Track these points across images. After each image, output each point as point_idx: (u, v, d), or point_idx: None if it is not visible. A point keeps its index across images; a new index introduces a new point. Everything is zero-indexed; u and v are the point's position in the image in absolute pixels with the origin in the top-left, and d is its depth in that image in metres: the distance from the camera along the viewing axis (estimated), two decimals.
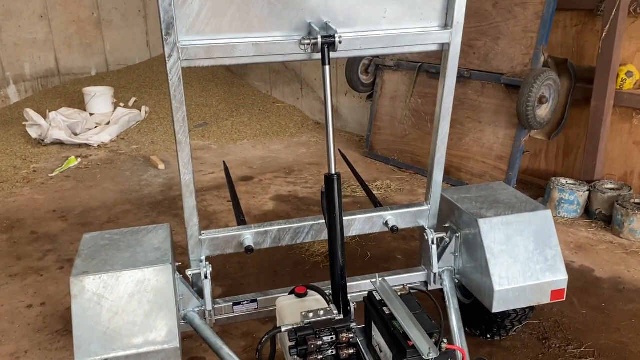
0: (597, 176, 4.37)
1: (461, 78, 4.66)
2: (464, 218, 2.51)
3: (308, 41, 2.02)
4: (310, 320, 1.89)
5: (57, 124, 6.03)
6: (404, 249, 3.82)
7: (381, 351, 1.96)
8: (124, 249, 2.24)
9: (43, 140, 6.01)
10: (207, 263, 2.36)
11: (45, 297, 3.31)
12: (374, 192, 3.92)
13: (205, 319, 2.37)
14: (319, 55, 2.06)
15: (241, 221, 2.74)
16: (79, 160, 5.65)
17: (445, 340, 1.77)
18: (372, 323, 2.03)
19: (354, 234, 2.61)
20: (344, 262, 2.06)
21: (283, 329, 1.89)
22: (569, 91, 4.42)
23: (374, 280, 2.10)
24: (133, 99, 7.38)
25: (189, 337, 2.79)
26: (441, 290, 2.65)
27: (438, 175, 2.54)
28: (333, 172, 2.04)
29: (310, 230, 2.51)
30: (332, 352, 1.89)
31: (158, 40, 8.14)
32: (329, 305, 2.03)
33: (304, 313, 1.92)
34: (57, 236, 4.06)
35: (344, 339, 1.88)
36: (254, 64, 2.44)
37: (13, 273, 3.57)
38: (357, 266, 3.55)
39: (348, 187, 4.76)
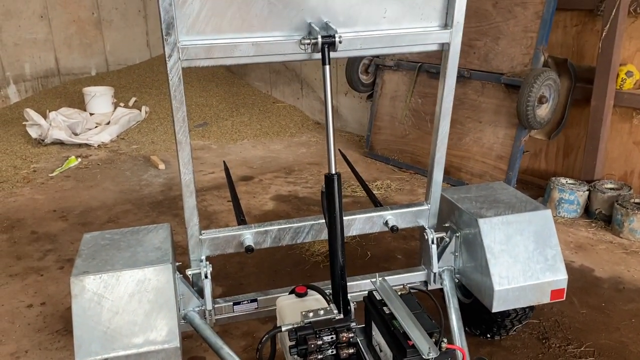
0: (597, 176, 4.37)
1: (461, 78, 4.66)
2: (464, 218, 2.52)
3: (308, 41, 2.02)
4: (311, 319, 1.89)
5: (57, 124, 6.03)
6: (404, 248, 3.82)
7: (381, 351, 1.96)
8: (124, 248, 2.24)
9: (43, 140, 6.01)
10: (207, 263, 2.36)
11: (46, 296, 3.31)
12: (374, 192, 3.92)
13: (205, 318, 2.37)
14: (319, 55, 2.06)
15: (241, 221, 2.74)
16: (79, 160, 5.65)
17: (445, 340, 1.77)
18: (372, 323, 2.03)
19: (354, 234, 2.61)
20: (344, 262, 2.06)
21: (283, 329, 1.89)
22: (569, 91, 4.42)
23: (374, 279, 2.11)
24: (133, 99, 7.38)
25: (189, 336, 2.79)
26: (441, 289, 2.66)
27: (438, 175, 2.54)
28: (333, 171, 2.04)
29: (311, 230, 2.51)
30: (332, 351, 1.89)
31: (158, 40, 8.14)
32: (329, 304, 2.03)
33: (304, 312, 1.92)
34: (57, 236, 4.07)
35: (344, 338, 1.88)
36: (254, 63, 2.44)
37: (13, 273, 3.57)
38: (357, 266, 3.55)
39: (348, 186, 4.76)
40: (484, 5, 4.67)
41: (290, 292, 2.23)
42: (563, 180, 4.35)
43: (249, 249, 2.40)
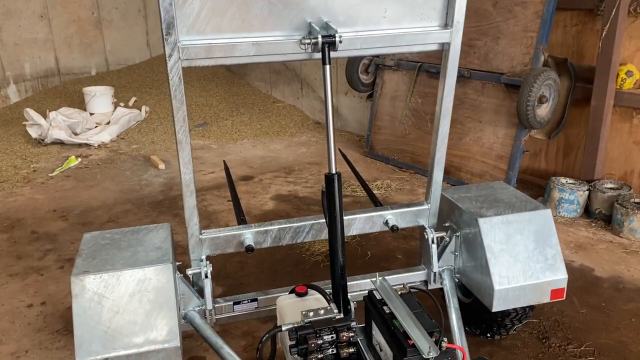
0: (597, 176, 4.37)
1: (461, 78, 4.66)
2: (464, 217, 2.52)
3: (308, 41, 2.02)
4: (311, 319, 1.90)
5: (57, 124, 6.03)
6: (404, 248, 3.82)
7: (381, 350, 1.96)
8: (124, 248, 2.24)
9: (43, 140, 6.01)
10: (208, 262, 2.36)
11: (46, 296, 3.31)
12: (374, 192, 3.92)
13: (205, 318, 2.37)
14: (319, 55, 2.06)
15: (241, 220, 2.74)
16: (79, 159, 5.65)
17: (446, 339, 1.77)
18: (372, 322, 2.03)
19: (354, 234, 2.61)
20: (344, 262, 2.06)
21: (283, 328, 1.89)
22: (569, 91, 4.42)
23: (374, 279, 2.11)
24: (133, 99, 7.38)
25: (190, 336, 2.79)
26: (441, 289, 2.66)
27: (438, 174, 2.54)
28: (333, 171, 2.04)
29: (311, 229, 2.51)
30: (332, 351, 1.89)
31: (158, 39, 8.14)
32: (329, 304, 2.03)
33: (304, 312, 1.92)
34: (58, 236, 4.07)
35: (344, 337, 1.88)
36: (254, 63, 2.45)
37: (13, 272, 3.58)
38: (357, 265, 3.56)
39: (348, 186, 4.76)
40: (484, 5, 4.67)
41: (291, 292, 2.23)
42: (563, 180, 4.35)
43: (249, 249, 2.40)
